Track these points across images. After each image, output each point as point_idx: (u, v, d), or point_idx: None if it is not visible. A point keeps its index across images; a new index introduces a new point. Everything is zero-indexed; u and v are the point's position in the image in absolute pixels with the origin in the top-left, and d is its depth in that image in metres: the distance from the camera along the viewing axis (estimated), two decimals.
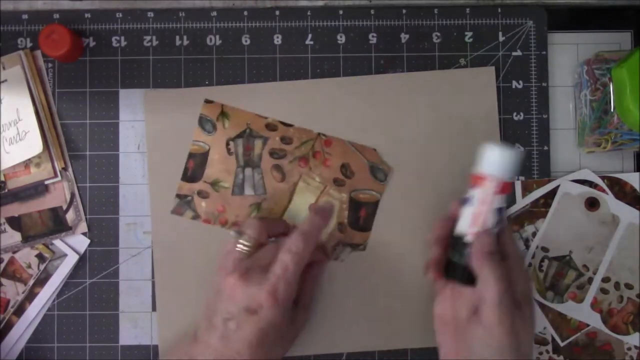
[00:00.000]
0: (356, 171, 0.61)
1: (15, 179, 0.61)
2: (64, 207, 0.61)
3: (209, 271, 0.61)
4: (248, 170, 0.61)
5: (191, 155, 0.61)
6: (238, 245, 0.55)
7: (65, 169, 0.61)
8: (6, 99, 0.61)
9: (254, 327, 0.52)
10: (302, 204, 0.61)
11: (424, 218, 0.61)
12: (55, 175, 0.61)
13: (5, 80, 0.61)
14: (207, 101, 0.61)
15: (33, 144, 0.60)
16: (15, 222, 0.61)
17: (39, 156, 0.60)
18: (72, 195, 0.61)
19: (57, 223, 0.61)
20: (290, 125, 0.61)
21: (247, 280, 0.52)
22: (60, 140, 0.62)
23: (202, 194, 0.61)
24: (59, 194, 0.61)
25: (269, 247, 0.55)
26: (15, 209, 0.61)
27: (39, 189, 0.61)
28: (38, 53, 0.62)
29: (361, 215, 0.61)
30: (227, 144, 0.61)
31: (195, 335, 0.54)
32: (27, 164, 0.61)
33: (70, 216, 0.61)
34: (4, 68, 0.61)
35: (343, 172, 0.61)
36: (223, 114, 0.61)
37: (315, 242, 0.55)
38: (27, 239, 0.61)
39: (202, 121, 0.61)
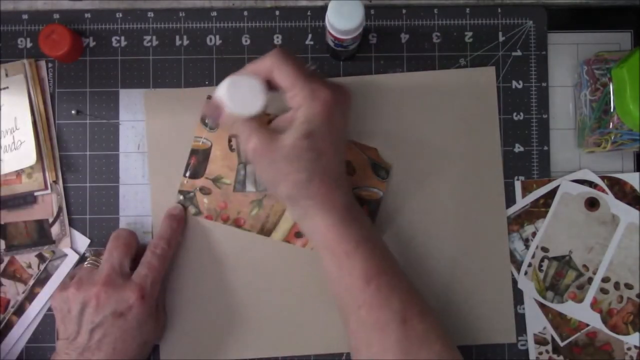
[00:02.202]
0: (358, 168, 0.61)
1: (6, 186, 0.61)
2: (50, 221, 0.61)
3: (210, 269, 0.61)
4: (250, 167, 0.61)
5: (193, 152, 0.61)
6: (87, 263, 0.59)
7: (56, 182, 0.61)
8: (6, 107, 0.61)
9: (121, 330, 0.54)
10: None
11: (425, 215, 0.61)
12: (46, 188, 0.61)
13: (7, 88, 0.61)
14: (210, 98, 0.61)
15: (27, 155, 0.60)
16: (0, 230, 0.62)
17: (31, 167, 0.60)
18: (60, 209, 0.61)
19: (42, 236, 0.61)
20: None
21: (112, 285, 0.55)
22: (54, 152, 0.61)
23: (204, 190, 0.61)
24: (47, 206, 0.61)
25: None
26: (2, 217, 0.61)
27: (27, 199, 0.61)
28: (42, 63, 0.62)
29: None
30: (229, 141, 0.61)
31: None
32: (19, 173, 0.61)
33: (55, 230, 0.61)
34: (6, 75, 0.61)
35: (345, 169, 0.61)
36: None
37: (176, 244, 0.60)
38: (9, 248, 0.61)
39: (204, 117, 0.61)
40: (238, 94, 0.51)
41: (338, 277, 0.52)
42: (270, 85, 0.52)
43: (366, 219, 0.54)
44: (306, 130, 0.49)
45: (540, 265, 0.61)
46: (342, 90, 0.52)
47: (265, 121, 0.54)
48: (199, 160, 0.61)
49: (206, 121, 0.61)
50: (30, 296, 0.61)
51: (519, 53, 0.62)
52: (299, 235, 0.61)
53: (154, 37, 0.63)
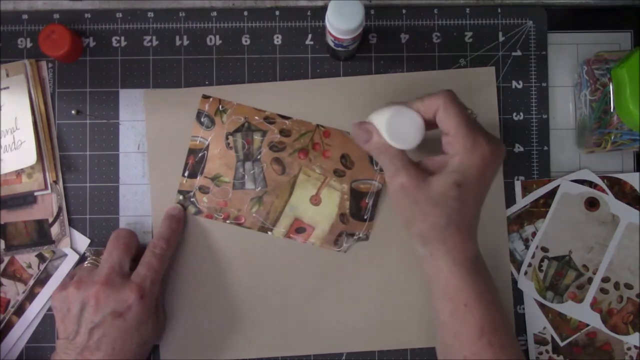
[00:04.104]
0: (356, 161, 0.61)
1: (6, 186, 0.61)
2: (50, 221, 0.61)
3: (211, 268, 0.61)
4: (248, 164, 0.61)
5: (191, 151, 0.61)
6: (87, 262, 0.59)
7: (56, 182, 0.61)
8: (6, 106, 0.61)
9: (120, 329, 0.54)
10: (303, 196, 0.61)
11: None
12: (46, 188, 0.61)
13: (8, 87, 0.61)
14: (205, 96, 0.61)
15: (27, 155, 0.60)
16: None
17: (31, 167, 0.60)
18: (60, 209, 0.61)
19: (42, 236, 0.61)
20: (288, 118, 0.61)
21: (111, 285, 0.55)
22: (54, 152, 0.61)
23: (204, 189, 0.61)
24: (47, 206, 0.61)
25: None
26: (2, 217, 0.61)
27: (27, 199, 0.61)
28: (43, 64, 0.62)
29: (362, 205, 0.61)
30: (227, 139, 0.61)
31: None
32: (19, 172, 0.61)
33: (54, 230, 0.61)
34: (7, 75, 0.61)
35: (343, 162, 0.61)
36: (221, 108, 0.61)
37: (175, 244, 0.60)
38: (9, 248, 0.61)
39: (200, 116, 0.61)
40: (398, 125, 0.50)
41: (450, 322, 0.51)
42: (427, 124, 0.51)
43: (489, 273, 0.53)
44: (458, 180, 0.49)
45: (540, 265, 0.61)
46: (500, 148, 0.51)
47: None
48: (196, 159, 0.61)
49: (202, 120, 0.61)
50: (30, 296, 0.61)
51: (519, 53, 0.62)
52: (300, 230, 0.61)
53: (154, 37, 0.63)
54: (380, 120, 0.51)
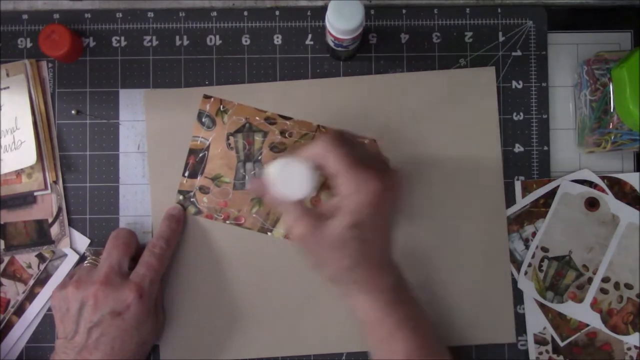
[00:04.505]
0: None
1: (6, 186, 0.61)
2: (50, 221, 0.61)
3: (210, 268, 0.61)
4: (249, 165, 0.61)
5: (192, 151, 0.61)
6: (86, 262, 0.59)
7: (56, 182, 0.61)
8: (6, 106, 0.61)
9: (119, 329, 0.54)
10: None
11: (424, 215, 0.61)
12: (46, 188, 0.61)
13: (8, 87, 0.61)
14: (206, 96, 0.61)
15: (27, 155, 0.60)
16: None
17: (31, 167, 0.60)
18: (59, 210, 0.61)
19: (41, 236, 0.61)
20: (289, 119, 0.61)
21: (110, 284, 0.55)
22: (54, 152, 0.61)
23: (204, 190, 0.61)
24: (47, 206, 0.61)
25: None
26: (2, 217, 0.61)
27: (27, 199, 0.61)
28: (43, 64, 0.62)
29: None
30: (227, 139, 0.61)
31: None
32: (19, 173, 0.61)
33: (54, 230, 0.61)
34: (7, 75, 0.61)
35: None
36: (222, 109, 0.61)
37: (175, 244, 0.60)
38: (9, 248, 0.61)
39: (201, 116, 0.61)
40: (288, 177, 0.51)
41: (379, 354, 0.52)
42: (321, 169, 0.51)
43: (412, 298, 0.53)
44: (353, 220, 0.48)
45: (540, 265, 0.61)
46: (393, 178, 0.51)
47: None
48: (197, 160, 0.61)
49: (203, 120, 0.61)
50: (30, 296, 0.61)
51: (519, 53, 0.62)
52: None
53: (154, 37, 0.63)
54: (273, 173, 0.51)
